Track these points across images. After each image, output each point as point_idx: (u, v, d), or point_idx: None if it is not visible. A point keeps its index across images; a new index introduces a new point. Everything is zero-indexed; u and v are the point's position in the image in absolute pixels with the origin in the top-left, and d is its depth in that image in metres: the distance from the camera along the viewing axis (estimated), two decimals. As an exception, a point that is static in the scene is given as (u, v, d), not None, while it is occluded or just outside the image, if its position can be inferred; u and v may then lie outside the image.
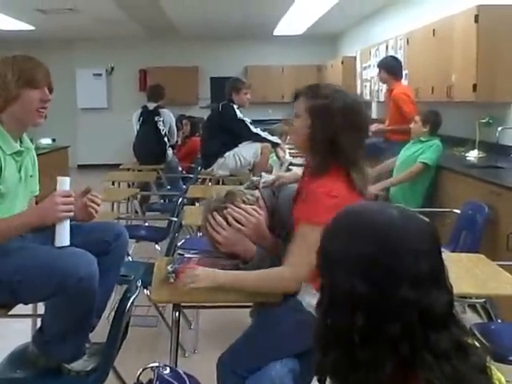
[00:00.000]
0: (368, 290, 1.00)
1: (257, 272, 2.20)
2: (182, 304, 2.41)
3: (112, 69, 12.52)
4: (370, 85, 8.70)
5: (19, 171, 2.37)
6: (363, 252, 1.03)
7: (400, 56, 6.84)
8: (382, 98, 7.97)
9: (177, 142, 7.80)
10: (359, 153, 2.19)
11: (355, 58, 9.74)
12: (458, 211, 4.09)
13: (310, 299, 2.01)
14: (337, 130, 2.11)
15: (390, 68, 5.98)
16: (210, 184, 6.11)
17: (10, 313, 2.37)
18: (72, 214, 2.24)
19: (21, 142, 2.45)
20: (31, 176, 2.48)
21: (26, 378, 2.29)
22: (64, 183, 2.29)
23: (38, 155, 2.72)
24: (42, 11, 8.69)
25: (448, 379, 0.98)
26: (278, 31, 10.96)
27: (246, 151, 5.85)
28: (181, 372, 1.56)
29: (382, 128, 6.14)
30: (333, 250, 1.08)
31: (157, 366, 1.55)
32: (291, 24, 10.08)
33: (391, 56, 6.77)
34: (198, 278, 2.15)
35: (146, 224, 5.40)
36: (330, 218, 1.13)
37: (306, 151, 2.32)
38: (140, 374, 1.60)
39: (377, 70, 6.48)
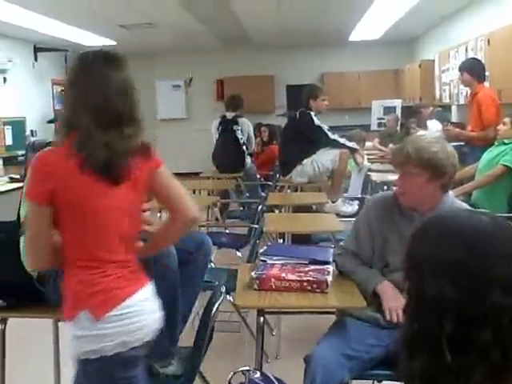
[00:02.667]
0: (457, 295, 0.99)
1: None
2: (266, 310, 2.45)
3: (190, 80, 12.79)
4: (449, 88, 8.50)
5: None
6: (452, 257, 1.02)
7: (481, 57, 6.65)
8: (462, 101, 7.77)
9: (254, 149, 7.88)
10: None
11: (433, 61, 9.54)
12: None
13: None
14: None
15: (473, 70, 5.79)
16: (288, 191, 6.15)
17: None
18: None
19: None
20: None
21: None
22: None
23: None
24: (123, 27, 9.00)
25: None
26: (353, 37, 10.88)
27: (325, 158, 5.84)
28: (271, 376, 1.59)
29: (462, 133, 5.97)
30: (421, 255, 1.07)
31: (247, 370, 1.58)
32: (367, 29, 9.99)
33: (473, 58, 6.59)
34: None
35: (227, 231, 5.48)
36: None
37: None
38: (231, 377, 1.64)
39: (456, 73, 6.32)
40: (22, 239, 2.25)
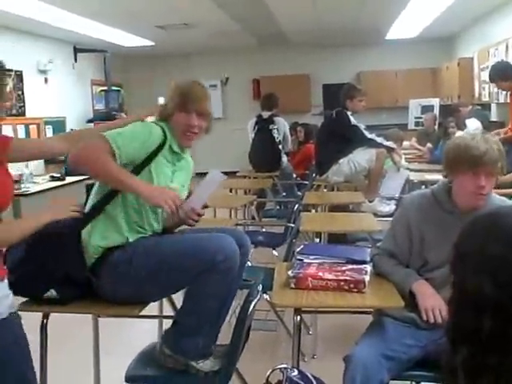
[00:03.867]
0: (495, 292, 0.99)
1: None
2: (303, 309, 2.46)
3: (227, 79, 12.86)
4: (488, 86, 8.38)
5: (172, 174, 2.55)
6: (494, 252, 1.02)
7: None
8: (501, 100, 7.65)
9: (290, 149, 7.89)
10: None
11: (472, 59, 9.41)
12: None
13: None
14: None
15: (506, 74, 5.60)
16: (324, 190, 6.13)
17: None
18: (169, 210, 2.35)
19: (183, 152, 2.64)
20: (182, 185, 2.64)
21: (158, 376, 2.39)
22: (214, 175, 2.54)
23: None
24: (161, 27, 9.10)
25: None
26: (390, 35, 10.80)
27: (361, 157, 5.81)
28: (309, 374, 1.59)
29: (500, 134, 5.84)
30: (466, 249, 1.08)
31: (285, 368, 1.59)
32: (404, 27, 9.90)
33: (498, 62, 6.41)
34: None
35: (263, 230, 5.50)
36: None
37: None
38: (269, 375, 1.65)
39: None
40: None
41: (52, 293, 2.33)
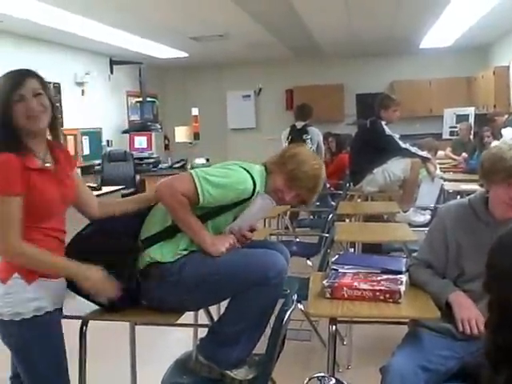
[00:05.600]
0: None
1: None
2: (338, 318, 2.45)
3: (260, 90, 12.91)
4: (525, 95, 8.27)
5: None
6: None
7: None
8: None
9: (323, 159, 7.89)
10: None
11: (508, 67, 9.29)
12: None
13: None
14: None
15: None
16: (358, 200, 6.12)
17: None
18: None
19: None
20: None
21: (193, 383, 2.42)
22: (265, 199, 2.51)
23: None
24: (195, 39, 9.20)
25: None
26: (424, 44, 10.73)
27: (396, 167, 5.78)
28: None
29: None
30: (503, 266, 1.06)
31: (323, 376, 1.59)
32: (439, 36, 9.83)
33: None
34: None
35: (297, 240, 5.50)
36: None
37: None
38: (306, 383, 1.66)
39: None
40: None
41: (104, 300, 2.38)
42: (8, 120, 2.07)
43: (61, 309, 2.29)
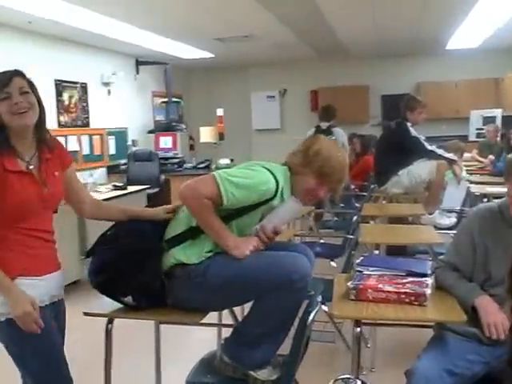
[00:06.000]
0: None
1: None
2: (363, 321, 2.45)
3: (285, 91, 12.90)
4: (555, 96, 8.15)
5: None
6: None
7: None
8: None
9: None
10: None
11: (538, 68, 9.18)
12: None
13: None
14: None
15: None
16: (383, 202, 6.09)
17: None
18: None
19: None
20: None
21: (217, 383, 2.41)
22: (294, 203, 2.50)
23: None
24: (220, 40, 9.23)
25: None
26: (451, 45, 10.63)
27: (421, 169, 5.74)
28: (370, 385, 1.59)
29: None
30: None
31: (348, 378, 1.59)
32: (466, 37, 9.73)
33: None
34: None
35: (321, 241, 5.49)
36: None
37: None
38: (332, 384, 1.66)
39: None
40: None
41: (129, 299, 2.41)
42: None
43: (54, 303, 2.28)
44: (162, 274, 2.39)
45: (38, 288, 2.17)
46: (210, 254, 2.40)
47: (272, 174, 2.43)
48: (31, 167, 2.17)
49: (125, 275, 2.36)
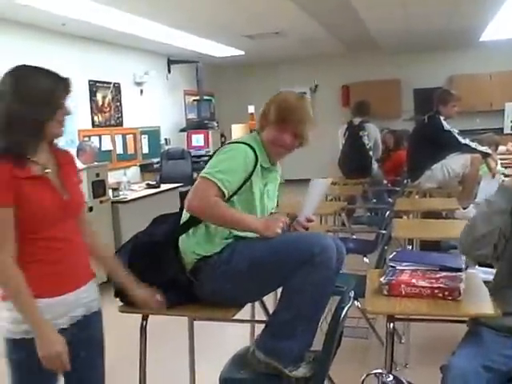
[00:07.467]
0: None
1: None
2: (396, 316, 2.44)
3: (316, 86, 12.86)
4: None
5: (264, 186, 2.60)
6: None
7: None
8: None
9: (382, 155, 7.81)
10: None
11: None
12: None
13: None
14: None
15: None
16: (416, 197, 6.03)
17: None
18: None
19: (273, 164, 2.68)
20: (273, 194, 2.70)
21: (250, 379, 2.43)
22: (316, 185, 2.57)
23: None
24: (250, 37, 9.25)
25: None
26: (485, 36, 10.46)
27: (455, 163, 5.68)
28: (404, 381, 1.59)
29: None
30: None
31: (380, 373, 1.59)
32: (500, 28, 9.55)
33: None
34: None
35: (354, 237, 5.47)
36: None
37: None
38: (364, 379, 1.66)
39: None
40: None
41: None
42: (44, 123, 1.95)
43: (73, 324, 2.04)
44: (188, 272, 2.44)
45: (55, 310, 1.96)
46: (229, 241, 2.44)
47: (244, 143, 2.51)
48: (48, 170, 1.99)
49: (146, 274, 2.37)
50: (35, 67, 1.98)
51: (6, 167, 1.85)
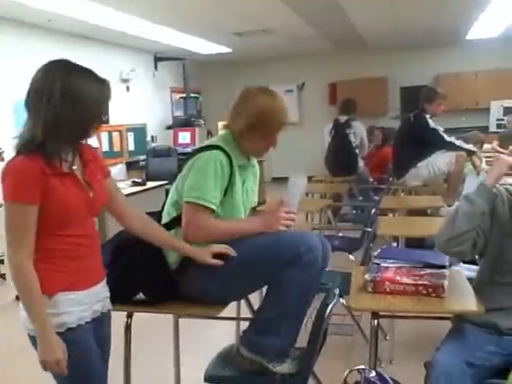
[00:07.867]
0: None
1: None
2: (381, 313, 2.45)
3: (303, 84, 12.88)
4: None
5: (243, 184, 2.58)
6: None
7: None
8: None
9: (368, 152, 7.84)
10: None
11: (559, 57, 9.05)
12: None
13: None
14: None
15: None
16: (402, 194, 6.06)
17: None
18: (292, 224, 2.48)
19: (248, 160, 2.65)
20: (252, 190, 2.68)
21: (235, 376, 2.43)
22: (295, 183, 2.55)
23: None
24: (238, 34, 9.24)
25: None
26: (471, 35, 10.52)
27: (440, 160, 5.71)
28: (386, 376, 1.60)
29: None
30: None
31: (363, 369, 1.60)
32: (486, 27, 9.61)
33: None
34: None
35: (340, 234, 5.49)
36: None
37: None
38: (347, 375, 1.66)
39: None
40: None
41: (140, 296, 2.43)
42: (89, 129, 1.98)
43: (93, 319, 2.05)
44: (173, 271, 2.44)
45: (82, 302, 1.98)
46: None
47: (215, 147, 2.47)
48: (74, 167, 1.98)
49: (130, 272, 2.38)
50: (79, 67, 1.98)
51: (37, 163, 1.84)
